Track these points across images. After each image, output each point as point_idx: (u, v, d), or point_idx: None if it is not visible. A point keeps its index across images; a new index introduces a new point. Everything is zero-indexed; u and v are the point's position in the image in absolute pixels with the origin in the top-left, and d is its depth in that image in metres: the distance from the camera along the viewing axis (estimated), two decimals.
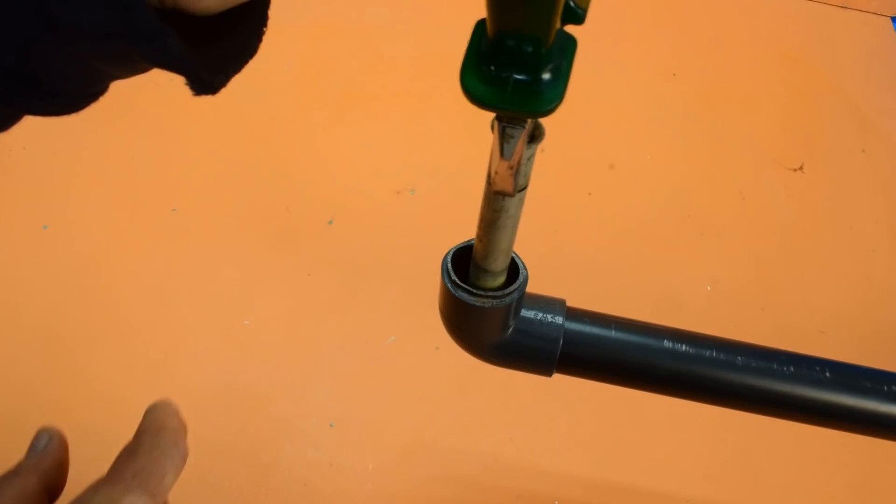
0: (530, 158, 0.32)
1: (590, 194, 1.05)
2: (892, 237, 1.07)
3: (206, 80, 0.26)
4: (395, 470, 0.79)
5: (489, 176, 0.32)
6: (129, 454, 0.27)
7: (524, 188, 0.33)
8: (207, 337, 0.86)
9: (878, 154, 1.17)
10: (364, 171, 1.04)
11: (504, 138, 0.29)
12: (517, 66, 0.25)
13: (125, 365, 0.83)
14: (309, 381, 0.84)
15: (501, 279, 0.39)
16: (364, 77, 1.15)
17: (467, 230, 0.38)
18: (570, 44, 0.26)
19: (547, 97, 0.26)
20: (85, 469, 0.79)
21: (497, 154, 0.30)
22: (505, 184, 0.32)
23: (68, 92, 0.27)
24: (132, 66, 0.26)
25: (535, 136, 0.31)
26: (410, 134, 1.09)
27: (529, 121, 0.28)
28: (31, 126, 1.09)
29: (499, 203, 0.34)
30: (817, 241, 1.05)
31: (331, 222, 0.97)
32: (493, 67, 0.25)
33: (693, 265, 1.00)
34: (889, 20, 1.39)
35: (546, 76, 0.26)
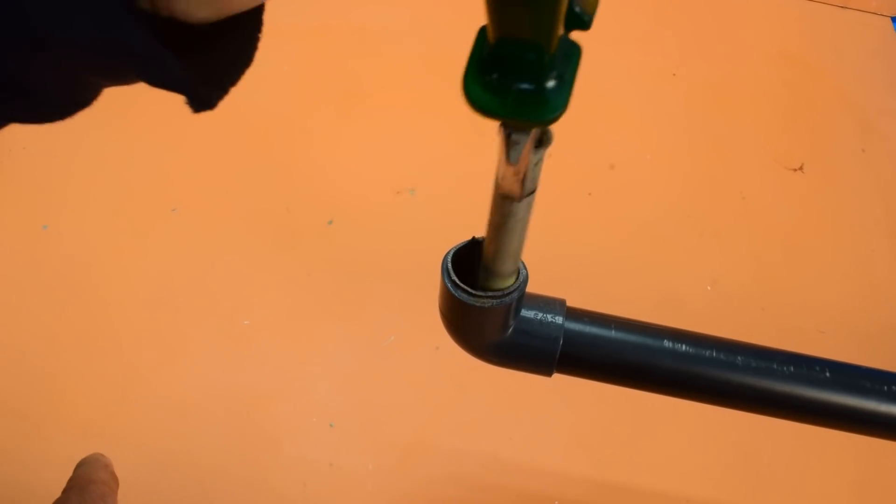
0: (538, 163, 0.31)
1: (590, 194, 1.05)
2: (892, 237, 1.06)
3: (204, 96, 0.25)
4: (395, 470, 0.79)
5: (496, 180, 0.32)
6: None
7: (532, 192, 0.33)
8: (207, 337, 0.86)
9: (878, 154, 1.17)
10: (364, 171, 1.04)
11: (509, 145, 0.28)
12: (519, 74, 0.25)
13: (125, 365, 0.83)
14: (309, 381, 0.84)
15: (511, 281, 0.39)
16: (364, 77, 1.15)
17: (467, 230, 0.38)
18: (574, 51, 0.26)
19: (551, 106, 0.25)
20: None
21: (503, 159, 0.29)
22: (511, 188, 0.32)
23: (57, 101, 0.26)
24: (126, 81, 0.26)
25: (543, 141, 0.30)
26: (410, 134, 1.09)
27: (538, 135, 0.28)
28: (31, 126, 1.09)
29: (507, 207, 0.33)
30: (817, 242, 1.05)
31: (331, 222, 0.97)
32: (495, 76, 0.25)
33: (693, 265, 1.00)
34: (889, 20, 1.39)
35: (550, 84, 0.25)
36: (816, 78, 1.26)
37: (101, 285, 0.89)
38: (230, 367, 0.84)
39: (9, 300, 0.87)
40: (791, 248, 1.04)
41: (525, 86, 0.25)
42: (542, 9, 0.22)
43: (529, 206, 0.34)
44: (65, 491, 0.29)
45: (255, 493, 0.76)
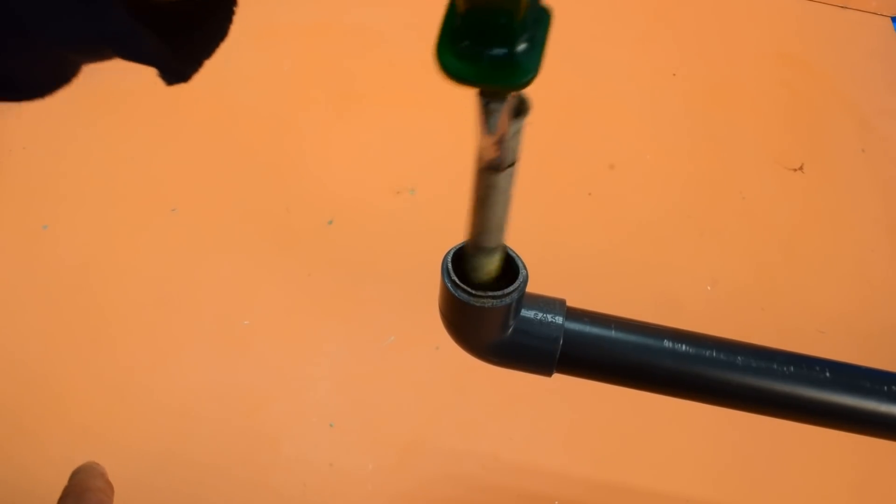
0: (516, 133, 0.31)
1: (590, 194, 1.05)
2: (892, 237, 1.06)
3: (178, 70, 0.26)
4: (395, 470, 0.79)
5: (478, 153, 0.32)
6: None
7: (513, 164, 0.33)
8: (207, 337, 0.86)
9: (878, 154, 1.17)
10: (364, 171, 1.04)
11: (486, 113, 0.28)
12: (491, 39, 0.25)
13: (124, 365, 0.83)
14: (309, 381, 0.84)
15: (496, 259, 0.39)
16: (364, 76, 1.15)
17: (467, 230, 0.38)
18: (543, 15, 0.26)
19: (523, 69, 0.25)
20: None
21: (481, 130, 0.30)
22: (492, 159, 0.32)
23: (37, 81, 0.27)
24: (103, 57, 0.26)
25: (521, 110, 0.30)
26: (410, 134, 1.09)
27: (512, 95, 0.28)
28: (31, 126, 1.09)
29: (488, 179, 0.34)
30: (817, 242, 1.05)
31: (331, 222, 0.97)
32: (466, 42, 0.25)
33: (693, 265, 1.00)
34: (889, 20, 1.39)
35: (521, 48, 0.25)
36: (816, 78, 1.26)
37: (100, 285, 0.89)
38: (230, 368, 0.84)
39: (8, 300, 0.87)
40: (791, 248, 1.04)
41: (497, 51, 0.25)
42: None
43: (511, 178, 0.34)
44: (61, 499, 0.29)
45: (254, 493, 0.76)
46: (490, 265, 0.39)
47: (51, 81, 0.28)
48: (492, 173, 0.33)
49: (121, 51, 0.24)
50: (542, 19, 0.26)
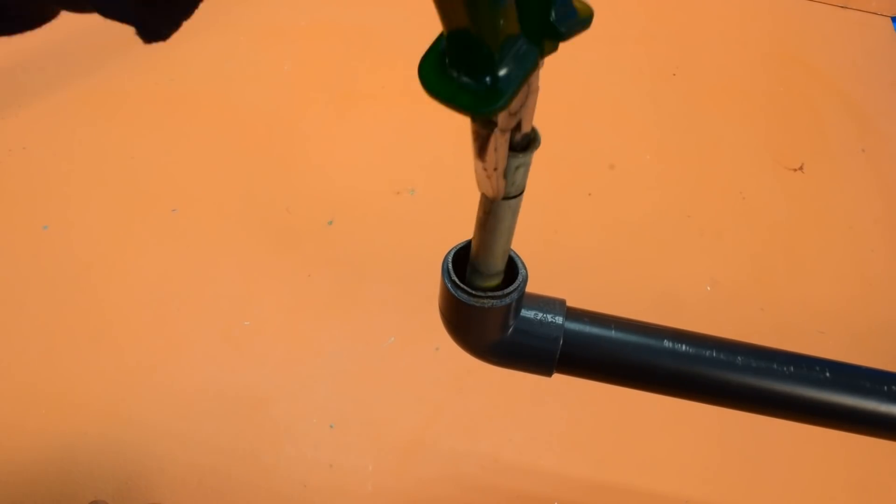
0: (519, 167, 0.31)
1: (590, 194, 1.05)
2: (891, 237, 1.06)
3: (157, 29, 0.26)
4: (395, 471, 0.79)
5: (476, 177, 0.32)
6: None
7: (514, 197, 0.32)
8: (208, 338, 0.86)
9: (878, 154, 1.17)
10: (364, 172, 1.04)
11: (474, 137, 0.28)
12: (465, 64, 0.25)
13: (125, 365, 0.83)
14: (309, 382, 0.84)
15: (495, 281, 0.39)
16: (364, 77, 1.15)
17: (467, 230, 0.38)
18: (529, 55, 0.26)
19: (486, 99, 0.25)
20: (88, 466, 0.79)
21: (474, 154, 0.29)
22: (485, 187, 0.31)
23: (24, 17, 0.28)
24: (82, 9, 0.27)
25: (527, 145, 0.30)
26: (410, 134, 1.09)
27: (503, 121, 0.27)
28: (31, 126, 1.09)
29: (487, 205, 0.33)
30: (817, 242, 1.05)
31: (331, 222, 0.97)
32: (446, 60, 0.26)
33: (693, 265, 1.00)
34: (889, 20, 1.39)
35: (489, 79, 0.25)
36: (817, 78, 1.26)
37: (101, 285, 0.89)
38: (230, 368, 0.84)
39: (8, 300, 0.87)
40: (791, 247, 1.03)
41: (466, 77, 0.25)
42: (478, 7, 0.23)
43: (510, 210, 0.33)
44: None
45: (255, 493, 0.76)
46: (486, 283, 0.39)
47: (34, 20, 0.29)
48: (490, 200, 0.33)
49: (101, 6, 0.24)
50: (527, 58, 0.26)
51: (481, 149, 0.28)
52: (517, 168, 0.31)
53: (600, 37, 1.27)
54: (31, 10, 0.28)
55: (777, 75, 1.26)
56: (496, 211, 0.33)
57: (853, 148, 1.17)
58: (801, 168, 1.13)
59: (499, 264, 0.37)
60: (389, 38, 1.21)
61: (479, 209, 0.34)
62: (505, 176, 0.31)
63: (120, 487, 0.75)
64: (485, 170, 0.30)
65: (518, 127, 0.29)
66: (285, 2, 1.23)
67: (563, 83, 1.16)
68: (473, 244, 0.37)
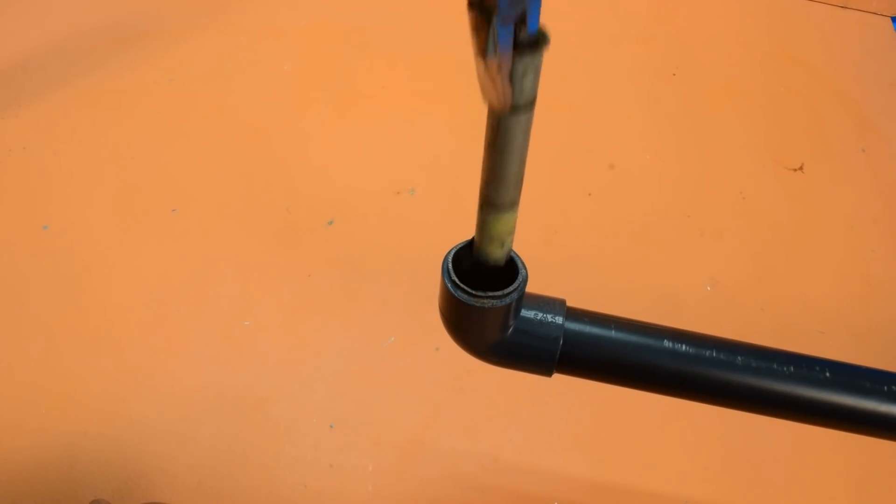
0: (527, 72, 0.27)
1: (590, 194, 1.05)
2: (891, 237, 1.06)
3: None
4: (395, 471, 0.79)
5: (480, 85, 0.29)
6: None
7: (523, 111, 0.29)
8: (208, 338, 0.86)
9: (878, 154, 1.17)
10: (364, 172, 1.04)
11: (474, 28, 0.25)
12: None
13: (125, 365, 0.83)
14: (309, 382, 0.84)
15: (510, 219, 0.35)
16: (364, 77, 1.15)
17: (467, 230, 0.38)
18: None
19: None
20: (88, 465, 0.79)
21: (476, 53, 0.26)
22: (489, 94, 0.28)
23: None
24: None
25: (534, 43, 0.26)
26: (410, 134, 1.09)
27: (504, 4, 0.24)
28: (31, 126, 1.09)
29: (494, 122, 0.30)
30: (817, 242, 1.05)
31: (331, 222, 0.97)
32: None
33: (693, 265, 1.00)
34: (889, 20, 1.39)
35: None
36: (817, 78, 1.26)
37: (101, 285, 0.89)
38: (230, 368, 0.84)
39: (8, 300, 0.87)
40: (791, 247, 1.03)
41: None
42: None
43: (520, 127, 0.30)
44: None
45: (255, 493, 0.76)
46: (499, 226, 0.35)
47: None
48: (498, 115, 0.29)
49: None
50: None
51: (483, 42, 0.25)
52: (525, 72, 0.27)
53: (600, 37, 1.27)
54: None
55: (777, 75, 1.26)
56: (505, 127, 0.30)
57: (853, 148, 1.17)
58: (801, 168, 1.13)
59: (512, 192, 0.33)
60: (389, 38, 1.21)
61: (486, 130, 0.30)
62: (511, 80, 0.27)
63: (120, 487, 0.75)
64: (487, 70, 0.27)
65: (522, 20, 0.26)
66: (285, 2, 1.23)
67: (563, 83, 1.16)
68: (483, 172, 0.33)
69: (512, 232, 0.35)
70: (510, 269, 0.39)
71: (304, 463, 0.78)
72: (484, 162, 0.33)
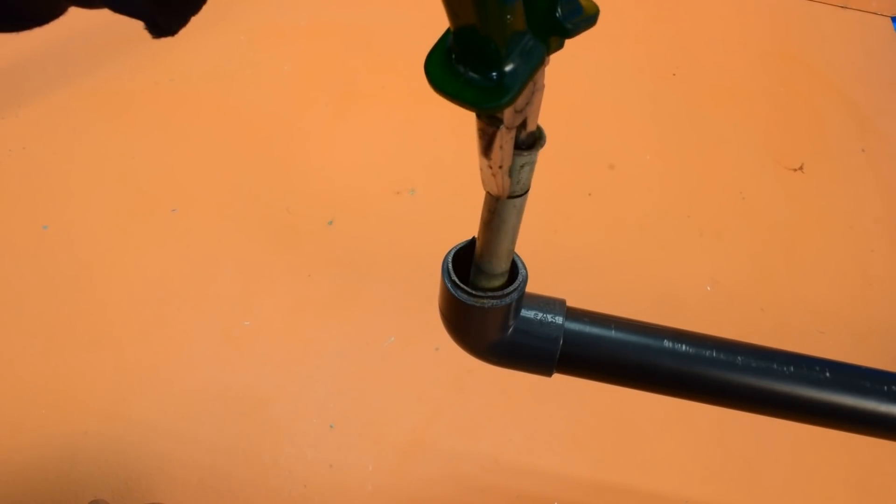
0: (524, 166, 0.31)
1: (590, 194, 1.05)
2: (891, 237, 1.06)
3: (164, 24, 0.26)
4: (395, 471, 0.79)
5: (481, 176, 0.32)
6: None
7: (519, 195, 0.32)
8: (208, 338, 0.86)
9: (878, 154, 1.17)
10: (364, 172, 1.04)
11: (480, 133, 0.28)
12: (471, 60, 0.25)
13: (125, 365, 0.83)
14: (309, 382, 0.84)
15: (500, 282, 0.39)
16: (364, 77, 1.15)
17: (467, 230, 0.38)
18: (535, 51, 0.26)
19: (492, 95, 0.25)
20: (88, 465, 0.79)
21: (479, 151, 0.29)
22: (490, 185, 0.31)
23: (33, 13, 0.28)
24: (92, 5, 0.27)
25: (532, 143, 0.30)
26: (410, 134, 1.09)
27: (509, 118, 0.27)
28: (31, 126, 1.09)
29: (491, 204, 0.33)
30: (817, 242, 1.05)
31: (331, 223, 0.97)
32: (452, 56, 0.26)
33: (693, 265, 1.00)
34: (889, 20, 1.39)
35: (495, 76, 0.25)
36: (817, 78, 1.26)
37: (101, 285, 0.89)
38: (230, 368, 0.84)
39: (8, 300, 0.87)
40: (791, 247, 1.04)
41: (472, 73, 0.25)
42: (485, 4, 0.22)
43: (515, 210, 0.33)
44: None
45: (255, 493, 0.76)
46: (490, 283, 0.39)
47: (44, 15, 0.29)
48: (495, 199, 0.33)
49: (112, 2, 0.25)
50: (533, 54, 0.26)
51: (487, 146, 0.28)
52: (522, 166, 0.31)
53: (600, 37, 1.27)
54: (39, 7, 0.29)
55: (777, 75, 1.26)
56: (501, 210, 0.33)
57: (853, 148, 1.17)
58: (801, 168, 1.13)
59: (503, 264, 0.37)
60: (389, 38, 1.21)
61: (483, 209, 0.34)
62: (510, 174, 0.31)
63: (120, 487, 0.75)
64: (490, 167, 0.30)
65: (524, 125, 0.29)
66: (285, 2, 1.23)
67: (563, 83, 1.16)
68: (478, 245, 0.37)
69: (503, 284, 0.39)
70: (510, 270, 0.40)
71: (304, 462, 0.78)
72: (479, 238, 0.36)
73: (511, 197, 0.32)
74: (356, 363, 0.86)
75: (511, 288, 0.39)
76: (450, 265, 0.39)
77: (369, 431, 0.81)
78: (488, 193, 0.33)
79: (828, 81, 1.26)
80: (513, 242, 0.36)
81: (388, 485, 0.78)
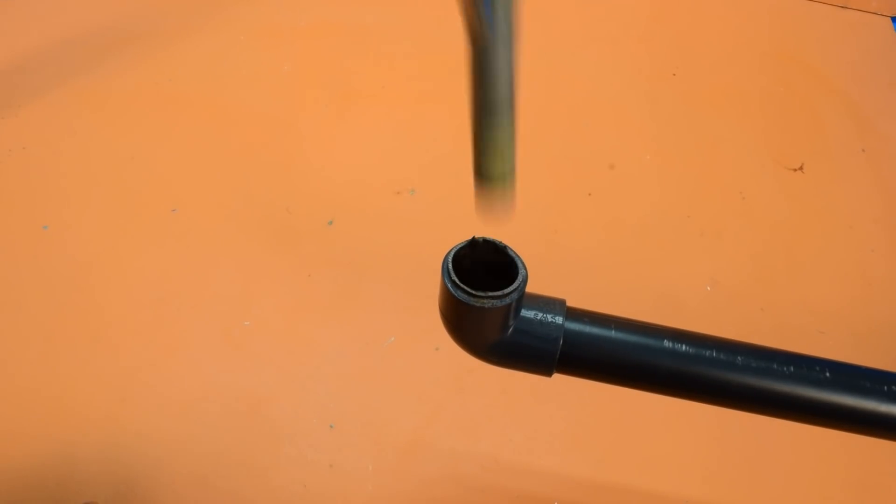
0: None
1: (590, 194, 1.05)
2: (891, 237, 1.06)
3: None
4: (395, 471, 0.79)
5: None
6: None
7: (503, 35, 0.28)
8: (207, 338, 0.86)
9: (878, 154, 1.17)
10: (364, 172, 1.04)
11: None
12: None
13: (125, 366, 0.83)
14: (309, 382, 0.84)
15: (505, 136, 0.32)
16: (364, 77, 1.15)
17: (467, 230, 0.38)
18: None
19: None
20: (87, 467, 0.79)
21: None
22: (471, 20, 0.27)
23: None
24: None
25: None
26: (410, 134, 1.09)
27: None
28: (31, 126, 1.09)
29: (476, 54, 0.28)
30: (817, 242, 1.05)
31: (331, 222, 0.97)
32: None
33: (693, 265, 1.00)
34: (889, 20, 1.39)
35: None
36: (816, 78, 1.26)
37: (101, 285, 0.89)
38: (230, 368, 0.84)
39: (8, 300, 0.87)
40: (790, 247, 1.03)
41: None
42: None
43: (500, 57, 0.28)
44: None
45: (255, 493, 0.76)
46: (498, 144, 0.33)
47: None
48: (478, 46, 0.28)
49: None
50: None
51: None
52: None
53: (600, 37, 1.27)
54: None
55: (776, 75, 1.26)
56: (488, 61, 0.28)
57: (853, 148, 1.17)
58: (801, 168, 1.13)
59: (506, 116, 0.31)
60: (389, 38, 1.21)
61: (469, 64, 0.29)
62: (496, 8, 0.27)
63: (119, 487, 0.75)
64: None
65: None
66: (285, 1, 1.23)
67: (563, 83, 1.16)
68: (472, 111, 0.32)
69: (512, 144, 0.32)
70: (510, 270, 0.40)
71: (303, 463, 0.78)
72: (472, 102, 0.31)
73: (493, 35, 0.28)
74: (356, 363, 0.86)
75: (511, 288, 0.39)
76: (450, 265, 0.39)
77: (369, 431, 0.81)
78: (471, 44, 0.28)
79: (827, 81, 1.26)
80: (509, 99, 0.30)
81: (388, 485, 0.78)
